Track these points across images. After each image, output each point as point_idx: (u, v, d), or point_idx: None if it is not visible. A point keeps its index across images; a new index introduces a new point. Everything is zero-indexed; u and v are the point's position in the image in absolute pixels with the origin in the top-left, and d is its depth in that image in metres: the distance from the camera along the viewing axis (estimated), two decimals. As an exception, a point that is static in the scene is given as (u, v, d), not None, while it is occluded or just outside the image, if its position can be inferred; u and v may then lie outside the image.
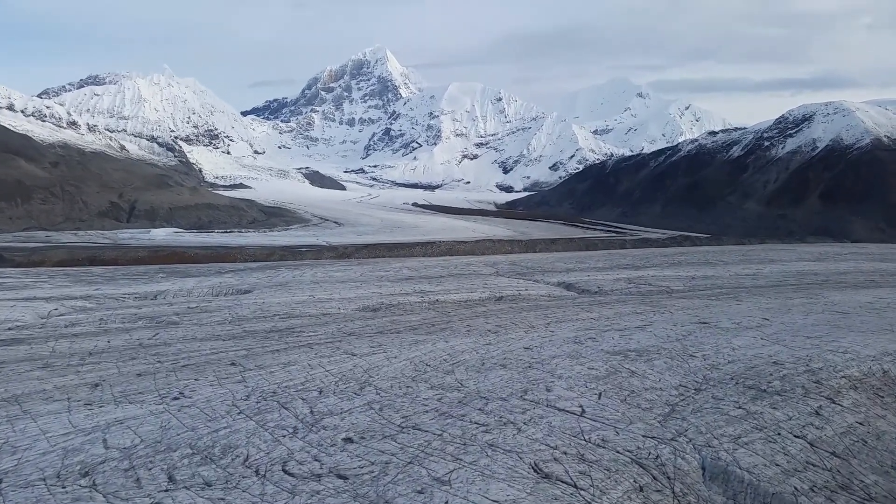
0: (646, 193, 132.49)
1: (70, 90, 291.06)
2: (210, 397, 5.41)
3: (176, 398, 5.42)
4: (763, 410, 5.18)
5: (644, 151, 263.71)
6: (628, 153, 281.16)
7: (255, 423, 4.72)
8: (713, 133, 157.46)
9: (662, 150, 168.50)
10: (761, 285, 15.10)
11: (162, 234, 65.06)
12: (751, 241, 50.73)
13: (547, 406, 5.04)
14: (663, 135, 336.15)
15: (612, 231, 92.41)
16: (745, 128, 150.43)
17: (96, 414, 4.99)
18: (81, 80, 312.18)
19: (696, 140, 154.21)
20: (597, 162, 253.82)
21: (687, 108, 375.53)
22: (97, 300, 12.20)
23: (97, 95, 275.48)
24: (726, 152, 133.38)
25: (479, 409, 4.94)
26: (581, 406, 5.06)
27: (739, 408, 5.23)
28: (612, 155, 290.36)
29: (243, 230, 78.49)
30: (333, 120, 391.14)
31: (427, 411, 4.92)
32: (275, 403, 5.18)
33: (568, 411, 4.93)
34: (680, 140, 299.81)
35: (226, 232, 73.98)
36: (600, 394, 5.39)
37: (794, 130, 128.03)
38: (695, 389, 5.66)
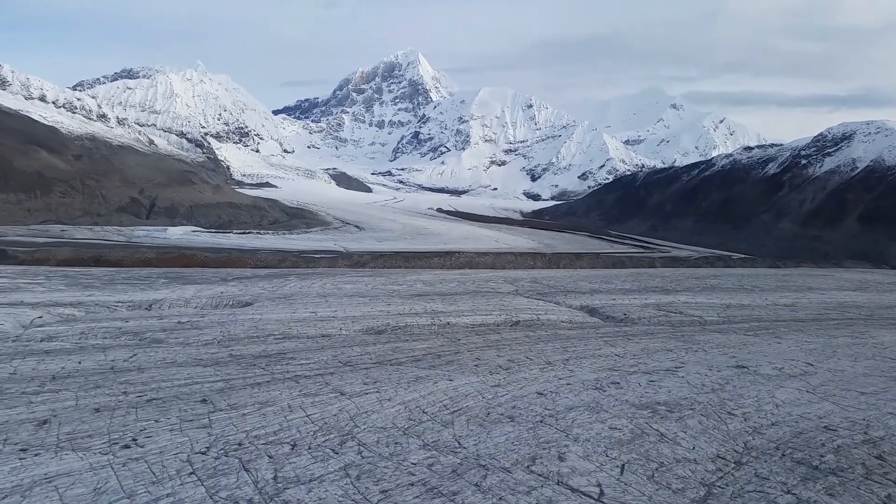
0: (677, 208, 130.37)
1: (104, 83, 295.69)
2: (165, 447, 4.72)
3: (126, 446, 4.74)
4: (817, 498, 4.34)
5: (676, 164, 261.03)
6: (660, 165, 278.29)
7: (204, 489, 4.01)
8: (749, 148, 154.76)
9: (696, 163, 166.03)
10: (801, 318, 14.13)
11: (178, 233, 65.06)
12: (786, 263, 49.25)
13: (558, 483, 4.26)
14: (696, 147, 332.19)
15: (640, 246, 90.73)
16: (781, 144, 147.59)
17: (26, 467, 4.32)
18: (115, 73, 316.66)
19: (730, 155, 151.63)
20: (627, 173, 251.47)
21: (721, 122, 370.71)
22: (87, 308, 11.66)
23: (130, 89, 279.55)
24: (762, 169, 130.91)
25: (476, 486, 4.18)
26: (599, 485, 4.27)
27: (788, 492, 4.39)
28: (643, 166, 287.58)
29: (262, 231, 78.41)
30: (363, 121, 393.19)
31: (412, 484, 4.17)
32: (236, 461, 4.47)
33: (583, 493, 4.15)
34: (713, 153, 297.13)
35: (244, 233, 73.91)
36: (623, 466, 4.60)
37: (832, 149, 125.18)
38: (735, 462, 4.84)
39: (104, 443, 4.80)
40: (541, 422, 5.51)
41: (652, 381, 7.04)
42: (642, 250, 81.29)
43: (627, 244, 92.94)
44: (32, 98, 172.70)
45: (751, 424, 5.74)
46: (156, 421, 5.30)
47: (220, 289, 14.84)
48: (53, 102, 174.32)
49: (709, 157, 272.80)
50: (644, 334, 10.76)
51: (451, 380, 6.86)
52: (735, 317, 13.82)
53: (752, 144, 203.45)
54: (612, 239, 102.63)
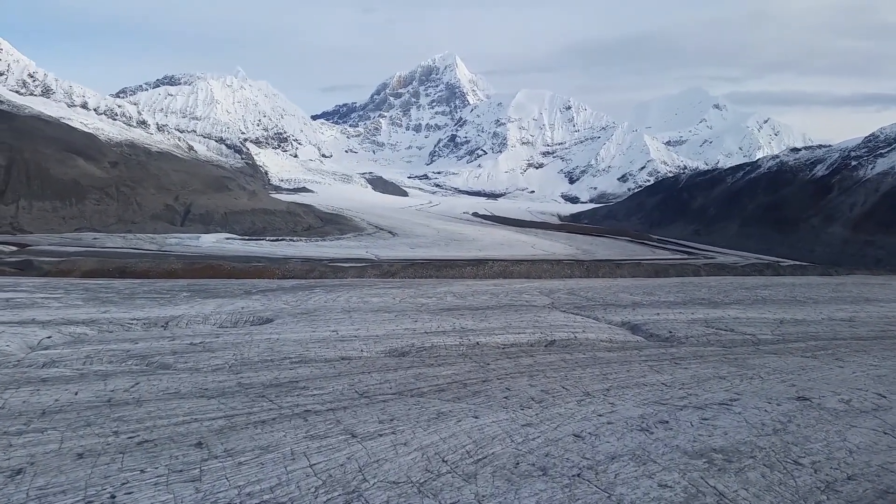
0: (721, 211, 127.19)
1: (146, 89, 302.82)
2: (143, 509, 4.19)
3: (101, 506, 4.22)
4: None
5: (720, 165, 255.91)
6: (703, 166, 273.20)
7: (176, 572, 3.45)
8: (795, 150, 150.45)
9: (741, 165, 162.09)
10: (862, 336, 13.15)
11: (211, 241, 65.54)
12: (838, 270, 47.39)
13: (597, 568, 3.60)
14: (740, 148, 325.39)
15: (683, 251, 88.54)
16: (829, 145, 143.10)
17: (-20, 534, 3.82)
18: (158, 79, 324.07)
19: (776, 156, 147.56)
20: (669, 175, 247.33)
21: (766, 122, 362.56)
22: (100, 326, 11.32)
23: (171, 95, 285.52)
24: (809, 171, 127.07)
25: (497, 571, 3.54)
26: (648, 570, 3.59)
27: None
28: (685, 167, 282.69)
29: (295, 238, 78.67)
30: (400, 125, 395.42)
31: (422, 568, 3.55)
32: (220, 530, 3.91)
33: (628, 582, 3.48)
34: (758, 154, 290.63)
35: (277, 240, 74.21)
36: (676, 541, 3.91)
37: (885, 150, 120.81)
38: (811, 533, 4.12)
39: (77, 501, 4.29)
40: (578, 476, 4.84)
41: (705, 420, 6.30)
42: (686, 256, 79.19)
43: (670, 249, 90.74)
44: (75, 105, 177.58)
45: (822, 478, 4.99)
46: (141, 471, 4.77)
47: (242, 303, 14.44)
48: (95, 109, 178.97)
49: (753, 159, 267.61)
50: (693, 357, 9.97)
51: (476, 416, 6.23)
52: (790, 334, 12.90)
53: (798, 145, 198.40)
54: (654, 244, 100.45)
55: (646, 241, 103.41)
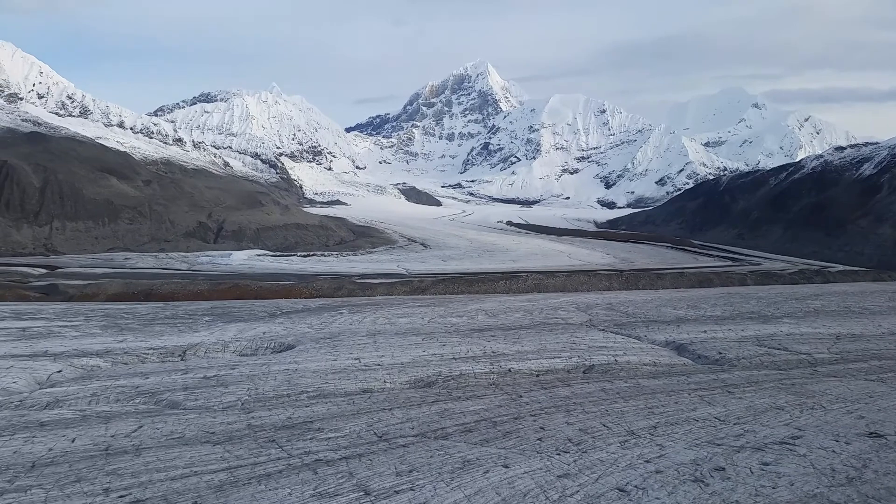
0: (765, 214, 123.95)
1: (183, 107, 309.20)
2: None
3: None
4: None
5: (761, 166, 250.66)
6: (743, 167, 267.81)
7: None
8: (840, 148, 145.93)
9: (784, 166, 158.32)
10: (934, 352, 12.23)
11: (242, 258, 65.87)
12: (891, 275, 45.54)
13: None
14: (781, 148, 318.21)
15: (727, 258, 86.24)
16: (876, 142, 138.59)
17: None
18: (194, 97, 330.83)
19: (821, 156, 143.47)
20: (709, 177, 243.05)
21: (806, 120, 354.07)
22: (114, 357, 10.99)
23: (207, 112, 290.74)
24: (856, 170, 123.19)
25: None
26: None
27: None
28: (725, 169, 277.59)
29: (326, 253, 78.70)
30: (433, 135, 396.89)
31: None
32: None
33: None
34: (799, 153, 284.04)
35: (308, 255, 74.32)
36: None
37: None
38: None
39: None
40: (623, 547, 4.21)
41: (766, 466, 5.60)
42: (730, 263, 76.99)
43: (712, 255, 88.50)
44: (112, 125, 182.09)
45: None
46: (124, 543, 4.28)
47: (264, 328, 14.05)
48: (131, 128, 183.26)
49: (795, 158, 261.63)
50: (746, 383, 9.21)
51: (506, 465, 5.63)
52: (849, 353, 12.01)
53: (840, 143, 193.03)
54: (696, 250, 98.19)
55: (687, 248, 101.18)
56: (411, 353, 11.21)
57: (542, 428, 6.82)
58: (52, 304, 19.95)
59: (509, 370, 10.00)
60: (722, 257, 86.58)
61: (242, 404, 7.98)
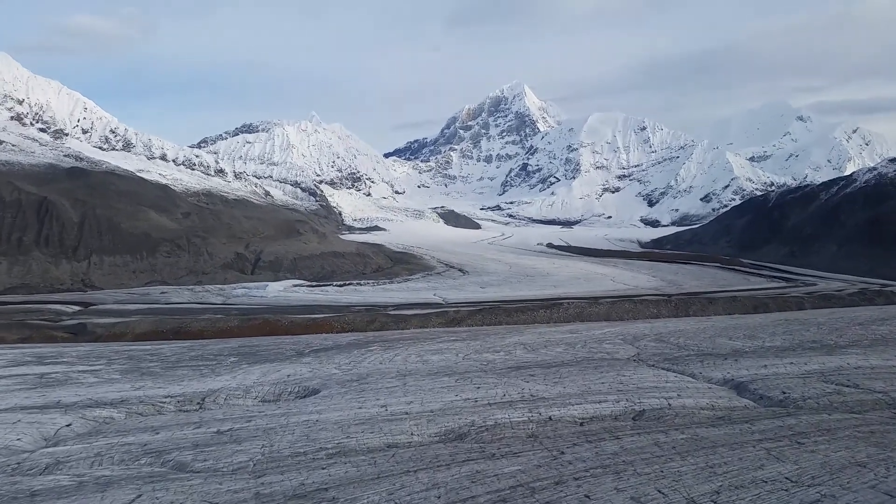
0: (817, 230, 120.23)
1: (226, 138, 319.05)
2: None
3: None
4: None
5: (809, 180, 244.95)
6: (790, 181, 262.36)
7: None
8: (894, 160, 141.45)
9: (834, 180, 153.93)
10: None
11: (278, 289, 66.02)
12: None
13: None
14: (829, 161, 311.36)
15: (780, 278, 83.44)
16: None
17: None
18: (237, 128, 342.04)
19: (874, 168, 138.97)
20: (757, 193, 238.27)
21: (854, 131, 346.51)
22: (129, 407, 10.50)
23: (249, 143, 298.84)
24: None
25: None
26: None
27: None
28: (772, 184, 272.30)
29: (363, 282, 78.47)
30: (471, 157, 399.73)
31: None
32: None
33: None
34: (848, 166, 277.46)
35: (343, 284, 74.30)
36: None
37: None
38: None
39: None
40: None
41: (859, 550, 4.72)
42: (784, 284, 74.31)
43: (764, 276, 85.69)
44: (154, 157, 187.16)
45: None
46: None
47: (290, 370, 13.48)
48: (173, 160, 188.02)
49: (844, 170, 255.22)
50: (817, 431, 8.25)
51: (546, 550, 4.85)
52: (934, 389, 10.89)
53: (892, 154, 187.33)
54: (746, 270, 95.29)
55: (737, 268, 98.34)
56: (443, 397, 10.48)
57: (588, 497, 6.02)
58: (77, 346, 19.79)
59: (549, 418, 9.19)
60: (774, 277, 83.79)
61: (254, 465, 7.34)
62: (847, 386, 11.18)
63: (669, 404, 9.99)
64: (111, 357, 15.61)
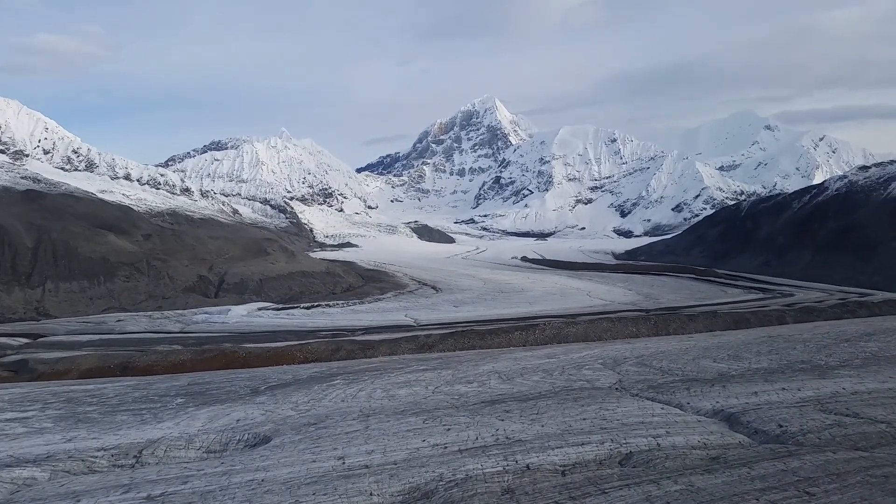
0: (791, 239, 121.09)
1: (193, 156, 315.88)
2: None
3: None
4: None
5: (779, 188, 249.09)
6: (760, 189, 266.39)
7: None
8: (864, 168, 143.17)
9: (806, 188, 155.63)
10: None
11: (241, 313, 64.10)
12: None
13: None
14: (797, 169, 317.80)
15: (756, 288, 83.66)
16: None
17: None
18: (205, 145, 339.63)
19: (844, 176, 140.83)
20: (728, 202, 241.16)
21: (821, 139, 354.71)
22: (54, 465, 9.40)
23: (217, 160, 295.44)
24: (884, 189, 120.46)
25: None
26: None
27: None
28: (742, 192, 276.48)
29: (332, 303, 76.79)
30: (444, 171, 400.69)
31: None
32: None
33: None
34: (816, 174, 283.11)
35: (312, 306, 72.48)
36: None
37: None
38: None
39: None
40: None
41: None
42: (762, 296, 74.20)
43: (740, 287, 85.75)
44: (118, 177, 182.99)
45: None
46: None
47: (241, 413, 12.43)
48: (138, 180, 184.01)
49: (812, 178, 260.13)
50: (825, 476, 7.49)
51: None
52: (939, 417, 10.24)
53: (858, 161, 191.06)
54: (722, 280, 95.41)
55: (713, 279, 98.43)
56: (408, 443, 9.55)
57: (574, 579, 5.15)
58: (12, 388, 18.44)
59: (527, 466, 8.31)
60: (751, 288, 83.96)
61: (182, 544, 6.35)
62: (847, 415, 10.48)
63: (658, 444, 9.17)
64: (47, 400, 14.41)
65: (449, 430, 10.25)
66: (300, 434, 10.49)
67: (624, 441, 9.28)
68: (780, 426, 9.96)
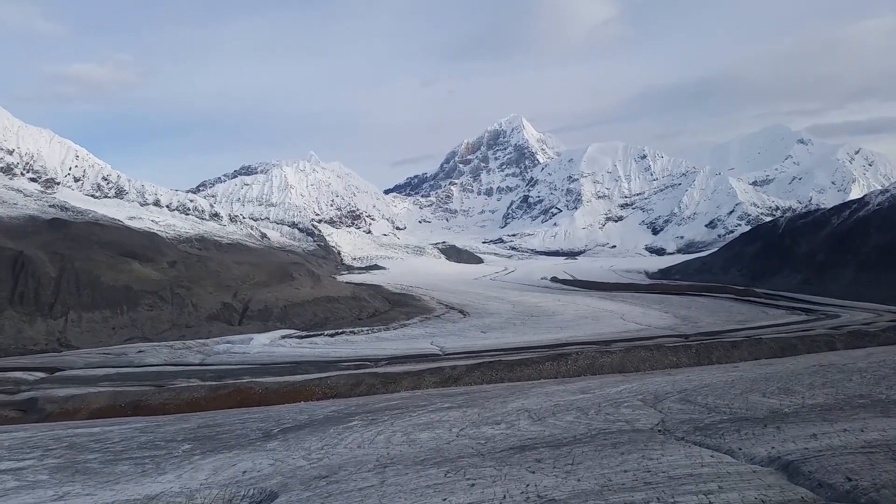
0: (832, 256, 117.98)
1: (224, 181, 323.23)
2: None
3: None
4: None
5: (815, 202, 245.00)
6: (796, 204, 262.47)
7: None
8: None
9: (846, 203, 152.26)
10: None
11: (263, 342, 63.63)
12: None
13: None
14: (833, 182, 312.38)
15: (798, 308, 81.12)
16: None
17: None
18: (235, 170, 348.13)
19: (886, 190, 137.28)
20: (763, 219, 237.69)
21: (857, 152, 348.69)
22: (37, 530, 8.68)
23: (247, 185, 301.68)
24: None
25: None
26: None
27: None
28: (777, 207, 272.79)
29: (357, 329, 76.10)
30: (472, 191, 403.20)
31: None
32: None
33: None
34: (853, 187, 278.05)
35: (335, 333, 71.68)
36: None
37: None
38: None
39: None
40: None
41: None
42: (805, 317, 71.67)
43: (782, 307, 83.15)
44: (147, 204, 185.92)
45: None
46: None
47: (248, 463, 11.65)
48: (167, 206, 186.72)
49: (849, 192, 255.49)
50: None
51: None
52: None
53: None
54: (762, 300, 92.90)
55: (752, 299, 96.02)
56: (428, 499, 8.67)
57: None
58: (15, 431, 17.89)
59: (561, 535, 7.38)
60: (793, 308, 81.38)
61: None
62: (926, 466, 9.36)
63: (710, 502, 8.19)
64: (48, 447, 13.78)
65: (473, 485, 9.35)
66: (309, 490, 9.67)
67: (672, 500, 8.32)
68: (849, 479, 8.89)
